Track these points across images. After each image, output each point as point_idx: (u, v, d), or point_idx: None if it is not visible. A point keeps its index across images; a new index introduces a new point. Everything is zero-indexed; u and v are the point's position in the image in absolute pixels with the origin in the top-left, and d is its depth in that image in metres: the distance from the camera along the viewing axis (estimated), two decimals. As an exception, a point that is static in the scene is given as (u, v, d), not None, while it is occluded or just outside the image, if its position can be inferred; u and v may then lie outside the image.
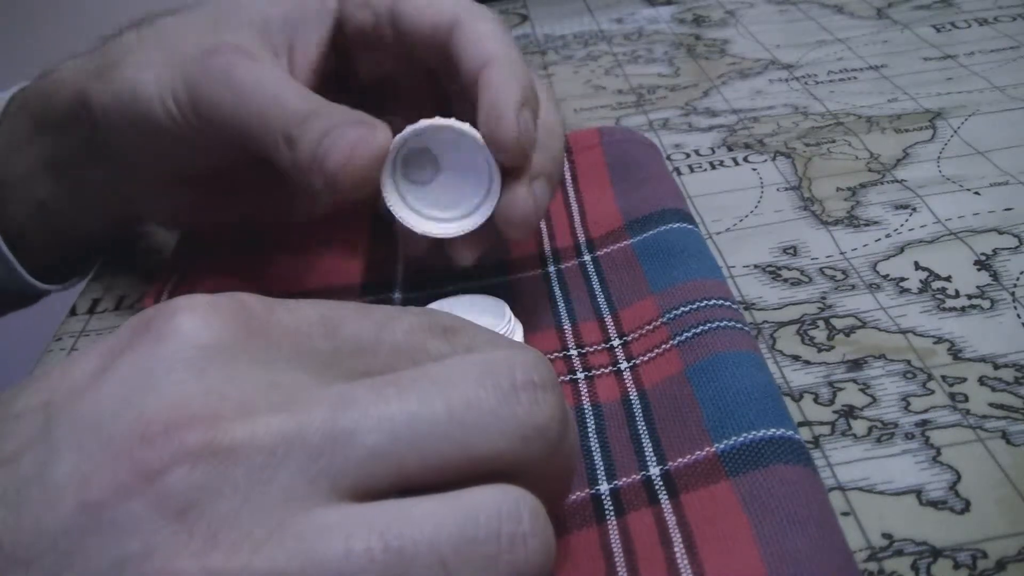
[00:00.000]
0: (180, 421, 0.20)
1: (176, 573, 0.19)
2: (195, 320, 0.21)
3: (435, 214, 0.34)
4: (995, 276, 0.38)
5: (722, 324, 0.33)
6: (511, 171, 0.33)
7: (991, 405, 0.32)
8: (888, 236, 0.41)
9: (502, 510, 0.20)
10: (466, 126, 0.33)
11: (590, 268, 0.39)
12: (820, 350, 0.35)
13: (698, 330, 0.33)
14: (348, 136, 0.32)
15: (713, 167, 0.49)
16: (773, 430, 0.28)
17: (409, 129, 0.33)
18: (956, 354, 0.34)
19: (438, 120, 0.33)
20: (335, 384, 0.21)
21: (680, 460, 0.29)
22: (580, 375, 0.33)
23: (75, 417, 0.20)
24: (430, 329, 0.23)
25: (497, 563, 0.19)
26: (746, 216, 0.44)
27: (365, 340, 0.22)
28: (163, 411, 0.20)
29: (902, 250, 0.40)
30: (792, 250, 0.41)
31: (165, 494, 0.19)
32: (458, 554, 0.19)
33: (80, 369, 0.21)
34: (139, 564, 0.19)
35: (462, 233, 0.34)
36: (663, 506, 0.27)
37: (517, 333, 0.34)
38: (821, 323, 0.37)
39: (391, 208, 0.34)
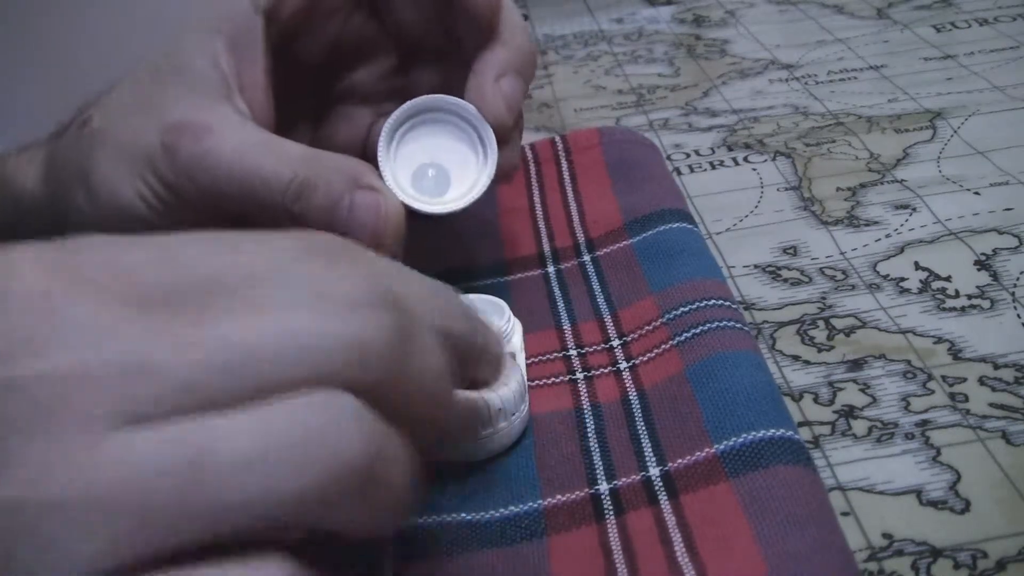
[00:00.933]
0: None
1: None
2: (19, 264, 0.20)
3: (434, 192, 0.35)
4: (995, 276, 0.38)
5: (722, 324, 0.33)
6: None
7: (991, 405, 0.32)
8: (888, 236, 0.41)
9: (315, 417, 0.19)
10: (456, 100, 0.34)
11: (590, 268, 0.39)
12: (820, 350, 0.35)
13: (698, 330, 0.33)
14: (362, 211, 0.32)
15: (713, 167, 0.49)
16: (773, 430, 0.28)
17: (400, 109, 0.34)
18: (956, 354, 0.34)
19: (428, 97, 0.34)
20: (152, 316, 0.20)
21: (680, 461, 0.29)
22: (580, 375, 0.33)
23: None
24: (292, 253, 0.21)
25: (305, 470, 0.19)
26: (746, 216, 0.44)
27: (211, 273, 0.21)
28: None
29: (902, 250, 0.40)
30: (792, 250, 0.41)
31: None
32: (265, 462, 0.19)
33: None
34: None
35: (463, 207, 0.34)
36: (663, 506, 0.27)
37: (517, 333, 0.34)
38: (821, 323, 0.37)
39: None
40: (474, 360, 0.27)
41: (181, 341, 0.19)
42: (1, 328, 0.19)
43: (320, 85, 0.39)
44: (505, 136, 0.34)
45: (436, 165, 0.35)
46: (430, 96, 0.35)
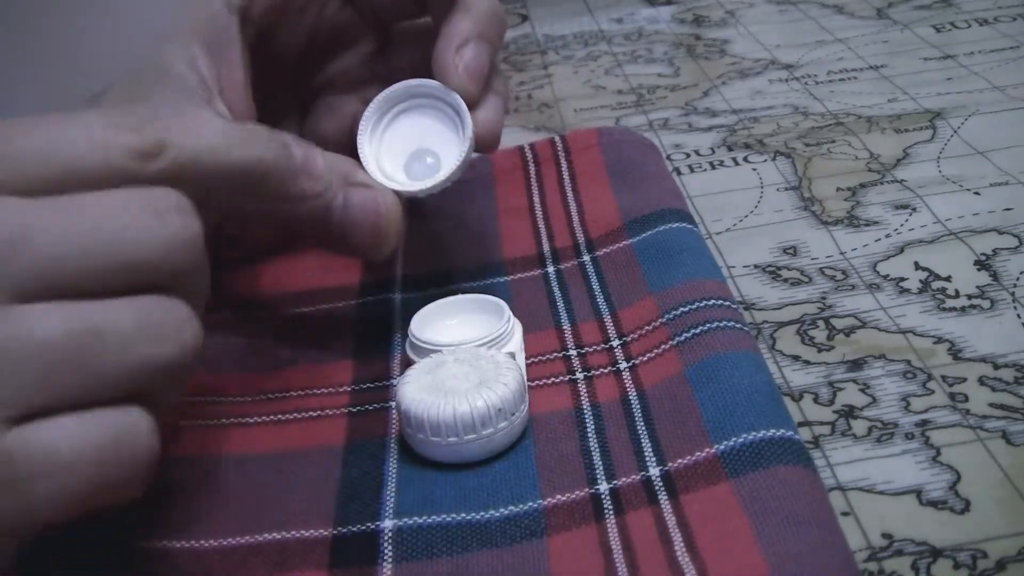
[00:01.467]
0: None
1: None
2: None
3: (416, 174, 0.35)
4: (995, 276, 0.38)
5: (722, 324, 0.33)
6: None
7: (991, 405, 0.32)
8: (888, 236, 0.41)
9: (162, 306, 0.25)
10: (427, 81, 0.34)
11: (589, 268, 0.39)
12: (820, 350, 0.35)
13: (698, 330, 0.33)
14: (358, 209, 0.33)
15: (713, 167, 0.49)
16: (773, 430, 0.28)
17: (376, 100, 0.35)
18: (956, 354, 0.34)
19: (401, 83, 0.35)
20: (13, 198, 0.24)
21: (680, 461, 0.29)
22: (579, 375, 0.33)
23: None
24: (121, 122, 0.26)
25: (165, 341, 0.25)
26: (746, 216, 0.44)
27: (47, 146, 0.25)
28: None
29: (902, 250, 0.40)
30: (792, 250, 0.41)
31: None
32: (136, 332, 0.24)
33: None
34: None
35: (444, 183, 0.34)
36: (663, 506, 0.27)
37: (517, 333, 0.34)
38: (821, 323, 0.37)
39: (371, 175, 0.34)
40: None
41: (49, 225, 0.23)
42: None
43: (302, 78, 0.39)
44: (472, 104, 0.35)
45: (425, 150, 0.35)
46: (403, 82, 0.35)
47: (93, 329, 0.24)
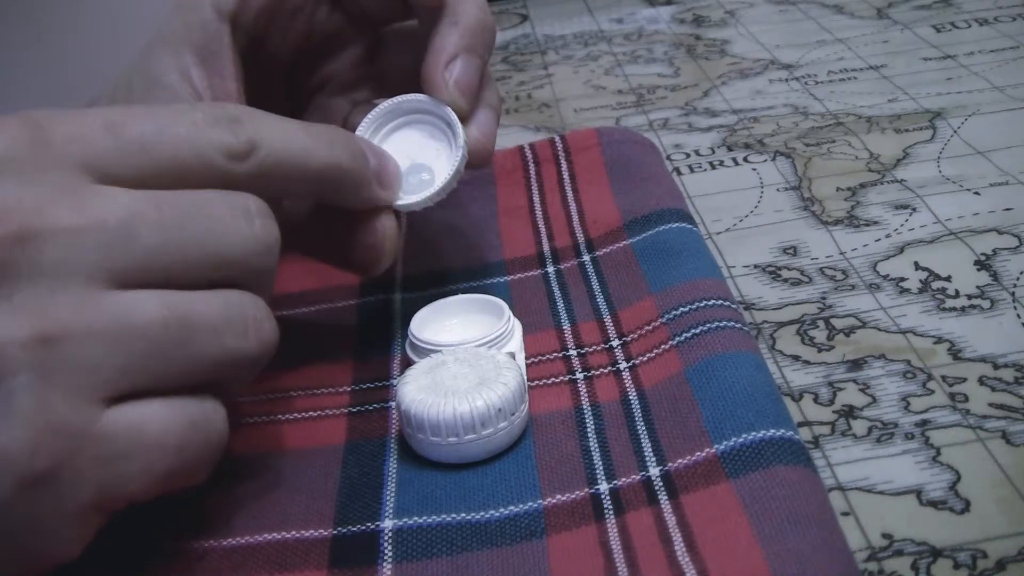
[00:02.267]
0: None
1: (12, 342, 0.23)
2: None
3: (410, 188, 0.35)
4: (995, 276, 0.38)
5: (721, 324, 0.33)
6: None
7: (991, 405, 0.32)
8: (888, 236, 0.41)
9: (245, 301, 0.27)
10: (417, 96, 0.35)
11: (589, 268, 0.39)
12: (820, 350, 0.35)
13: (697, 330, 0.33)
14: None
15: (713, 167, 0.49)
16: (773, 431, 0.28)
17: (368, 117, 0.35)
18: (956, 354, 0.34)
19: (394, 100, 0.35)
20: (121, 191, 0.25)
21: (680, 461, 0.29)
22: (579, 375, 0.33)
23: None
24: (215, 121, 0.27)
25: (247, 334, 0.27)
26: (746, 216, 0.44)
27: (148, 139, 0.26)
28: None
29: (902, 250, 0.40)
30: (792, 250, 0.41)
31: None
32: (225, 325, 0.26)
33: None
34: None
35: (434, 197, 0.34)
36: (663, 506, 0.27)
37: (516, 333, 0.34)
38: (821, 323, 0.37)
39: None
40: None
41: (154, 220, 0.25)
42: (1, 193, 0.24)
43: (294, 82, 0.39)
44: (464, 118, 0.35)
45: (419, 165, 0.35)
46: (395, 98, 0.35)
47: (187, 318, 0.25)
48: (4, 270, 0.23)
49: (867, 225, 0.42)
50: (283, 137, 0.29)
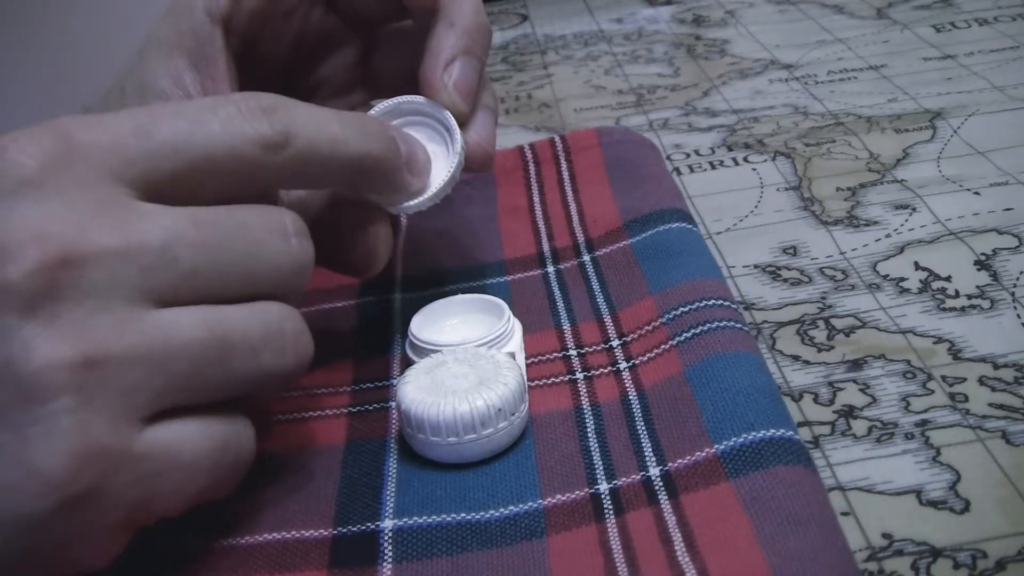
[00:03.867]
0: (35, 238, 0.23)
1: (58, 364, 0.23)
2: (19, 155, 0.24)
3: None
4: (995, 276, 0.38)
5: (721, 324, 0.33)
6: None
7: (991, 405, 0.32)
8: (888, 236, 0.41)
9: (284, 316, 0.27)
10: (416, 97, 0.35)
11: (589, 268, 0.39)
12: (820, 350, 0.35)
13: (697, 330, 0.33)
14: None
15: (713, 167, 0.49)
16: (773, 431, 0.28)
17: (370, 113, 0.34)
18: (956, 354, 0.34)
19: (390, 101, 0.35)
20: (162, 210, 0.25)
21: (680, 461, 0.29)
22: (579, 375, 0.33)
23: None
24: (249, 113, 0.27)
25: (285, 351, 0.27)
26: (746, 216, 0.44)
27: (181, 139, 0.26)
28: (17, 232, 0.23)
29: (902, 250, 0.40)
30: (792, 250, 0.41)
31: (30, 301, 0.23)
32: (263, 342, 0.26)
33: None
34: (23, 361, 0.23)
35: (429, 200, 0.34)
36: (663, 506, 0.27)
37: (516, 333, 0.34)
38: (821, 323, 0.37)
39: None
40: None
41: (193, 240, 0.25)
42: (42, 214, 0.24)
43: (288, 84, 0.39)
44: (463, 121, 0.35)
45: None
46: (392, 100, 0.35)
47: (227, 337, 0.25)
48: (48, 293, 0.23)
49: (867, 225, 0.42)
50: (317, 126, 0.28)
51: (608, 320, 0.36)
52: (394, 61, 0.39)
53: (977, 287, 0.37)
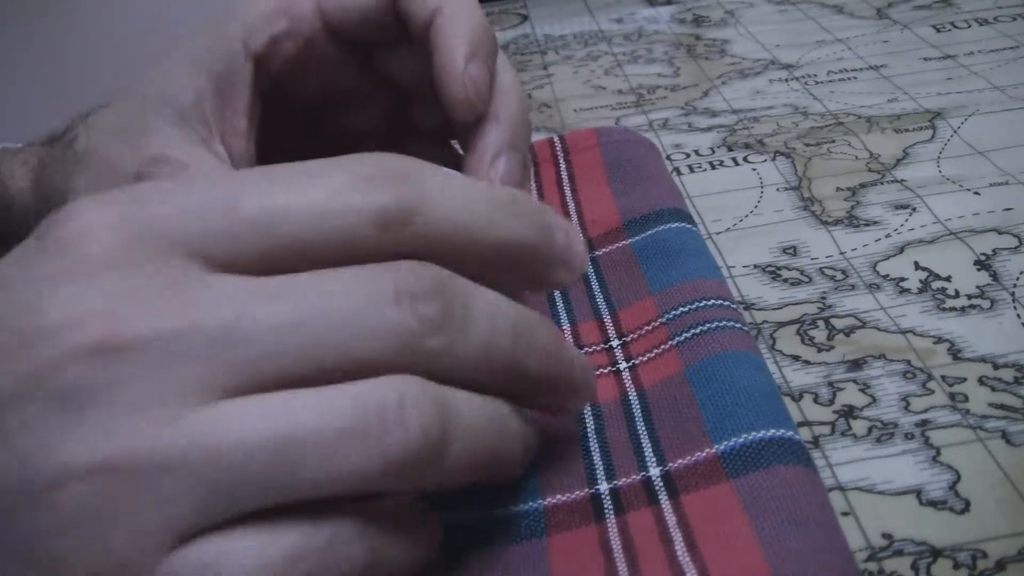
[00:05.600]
0: (73, 321, 0.20)
1: (72, 467, 0.20)
2: (82, 229, 0.22)
3: None
4: (995, 276, 0.38)
5: (721, 324, 0.33)
6: (471, 136, 0.32)
7: (991, 405, 0.32)
8: (888, 236, 0.41)
9: (383, 398, 0.21)
10: None
11: (589, 268, 0.39)
12: (820, 350, 0.35)
13: (697, 330, 0.33)
14: None
15: (713, 167, 0.49)
16: (773, 431, 0.28)
17: None
18: (956, 354, 0.34)
19: None
20: (229, 281, 0.22)
21: (680, 461, 0.29)
22: (579, 375, 0.33)
23: None
24: (366, 181, 0.23)
25: (382, 448, 0.21)
26: (746, 216, 0.44)
27: (273, 215, 0.22)
28: (55, 314, 0.21)
29: (902, 250, 0.40)
30: (792, 250, 0.41)
31: (58, 392, 0.20)
32: (345, 440, 0.21)
33: None
34: (37, 462, 0.20)
35: None
36: (663, 506, 0.27)
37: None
38: (821, 323, 0.37)
39: None
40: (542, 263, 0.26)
41: (264, 318, 0.21)
42: (93, 293, 0.21)
43: (315, 126, 0.38)
44: None
45: None
46: None
47: (295, 436, 0.20)
48: (79, 383, 0.20)
49: (867, 225, 0.42)
50: (452, 202, 0.23)
51: (608, 320, 0.36)
52: (428, 118, 0.38)
53: (977, 287, 0.37)
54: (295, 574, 0.21)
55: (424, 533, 0.24)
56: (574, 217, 0.43)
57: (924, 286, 0.38)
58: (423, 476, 0.22)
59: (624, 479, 0.28)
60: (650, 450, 0.29)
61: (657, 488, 0.28)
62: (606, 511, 0.27)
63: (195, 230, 0.22)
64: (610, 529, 0.27)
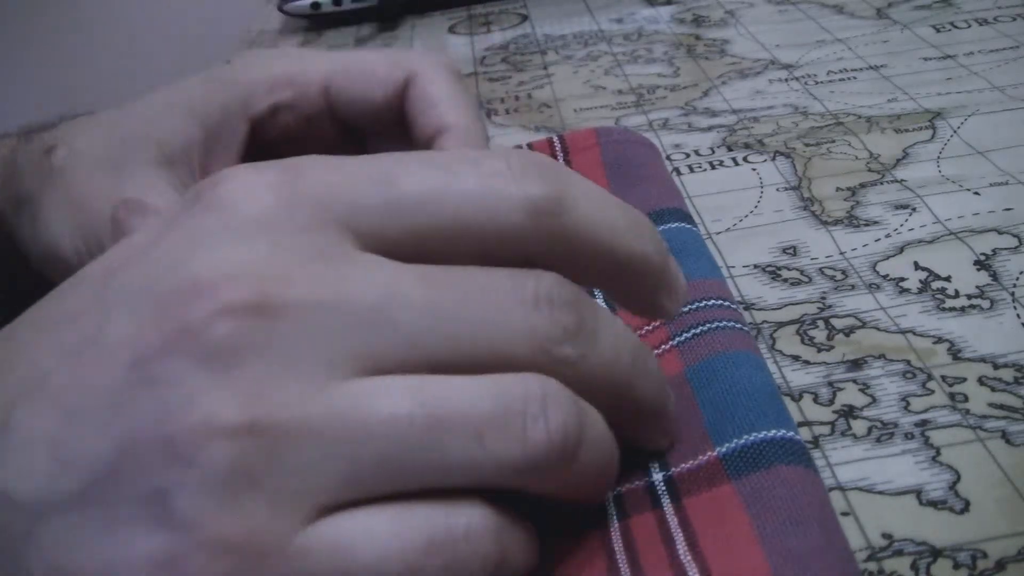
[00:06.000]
0: (225, 280, 0.20)
1: (217, 425, 0.19)
2: (241, 189, 0.22)
3: None
4: (995, 276, 0.38)
5: (722, 324, 0.33)
6: None
7: (991, 405, 0.32)
8: (888, 236, 0.41)
9: (528, 391, 0.21)
10: None
11: (590, 268, 0.39)
12: (820, 350, 0.35)
13: (698, 330, 0.33)
14: None
15: (713, 167, 0.49)
16: (773, 431, 0.28)
17: None
18: (956, 354, 0.34)
19: None
20: (386, 262, 0.22)
21: (683, 465, 0.28)
22: (580, 375, 0.33)
23: (127, 281, 0.21)
24: (520, 170, 0.23)
25: (524, 439, 0.21)
26: (746, 216, 0.44)
27: (429, 192, 0.22)
28: (209, 271, 0.21)
29: (902, 250, 0.40)
30: (792, 250, 0.41)
31: (208, 349, 0.20)
32: (491, 427, 0.21)
33: (137, 239, 0.23)
34: (182, 417, 0.20)
35: None
36: (665, 510, 0.27)
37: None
38: (821, 323, 0.37)
39: None
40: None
41: (419, 303, 0.21)
42: (246, 254, 0.21)
43: None
44: None
45: None
46: None
47: (441, 416, 0.20)
48: (230, 342, 0.20)
49: (867, 225, 0.42)
50: (597, 205, 0.24)
51: (608, 320, 0.36)
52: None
53: (977, 287, 0.37)
54: (431, 565, 0.20)
55: (536, 539, 0.24)
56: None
57: (924, 286, 0.38)
58: (553, 477, 0.22)
59: (627, 484, 0.28)
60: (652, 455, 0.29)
61: (660, 492, 0.28)
62: (609, 516, 0.27)
63: (352, 202, 0.22)
64: (613, 533, 0.27)
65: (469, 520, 0.21)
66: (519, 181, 0.23)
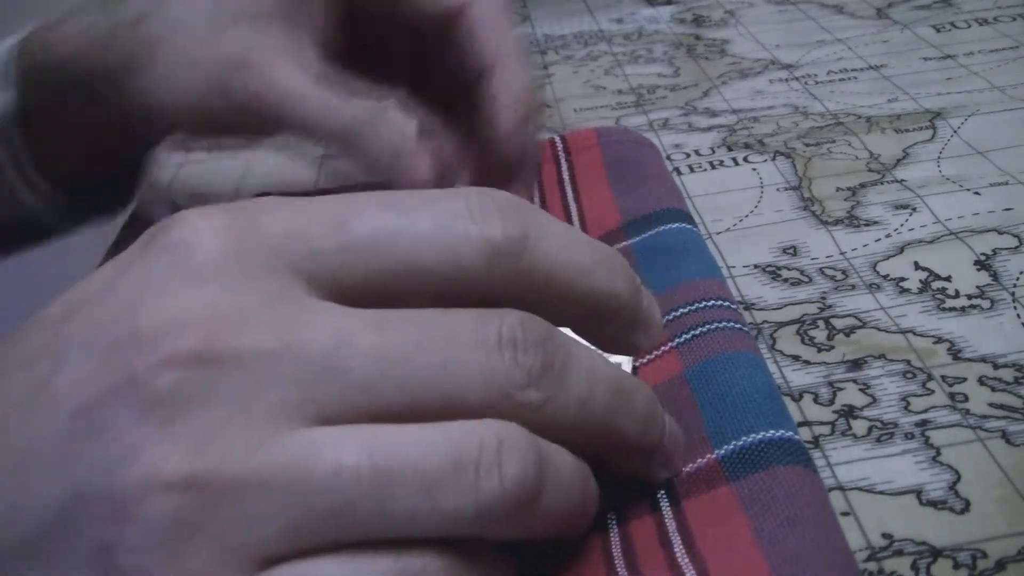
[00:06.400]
0: (172, 328, 0.20)
1: (159, 479, 0.19)
2: (192, 234, 0.22)
3: None
4: (995, 276, 0.38)
5: (722, 325, 0.33)
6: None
7: (991, 405, 0.32)
8: (888, 236, 0.41)
9: (484, 440, 0.20)
10: None
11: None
12: (820, 350, 0.35)
13: (697, 331, 0.33)
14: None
15: (713, 167, 0.49)
16: (773, 431, 0.28)
17: None
18: (956, 354, 0.34)
19: None
20: (336, 309, 0.21)
21: (683, 469, 0.28)
22: (580, 375, 0.33)
23: (79, 326, 0.21)
24: (479, 211, 0.22)
25: (476, 490, 0.20)
26: (746, 216, 0.44)
27: (383, 236, 0.22)
28: (156, 319, 0.20)
29: (902, 250, 0.40)
30: (792, 250, 0.41)
31: (152, 399, 0.20)
32: (441, 478, 0.20)
33: (94, 281, 0.22)
34: (124, 469, 0.19)
35: None
36: (664, 512, 0.27)
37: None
38: (821, 323, 0.37)
39: None
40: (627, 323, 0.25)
41: (368, 349, 0.21)
42: (194, 301, 0.21)
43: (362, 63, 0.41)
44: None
45: None
46: None
47: (391, 467, 0.20)
48: (177, 391, 0.20)
49: (867, 225, 0.42)
50: (561, 243, 0.23)
51: (608, 320, 0.36)
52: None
53: (977, 287, 0.37)
54: None
55: (509, 568, 0.23)
56: (575, 217, 0.43)
57: (924, 286, 0.38)
58: (514, 524, 0.21)
59: (626, 490, 0.28)
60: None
61: (659, 497, 0.28)
62: (608, 520, 0.27)
63: (304, 247, 0.22)
64: (612, 537, 0.27)
65: (423, 565, 0.20)
66: (478, 222, 0.22)
